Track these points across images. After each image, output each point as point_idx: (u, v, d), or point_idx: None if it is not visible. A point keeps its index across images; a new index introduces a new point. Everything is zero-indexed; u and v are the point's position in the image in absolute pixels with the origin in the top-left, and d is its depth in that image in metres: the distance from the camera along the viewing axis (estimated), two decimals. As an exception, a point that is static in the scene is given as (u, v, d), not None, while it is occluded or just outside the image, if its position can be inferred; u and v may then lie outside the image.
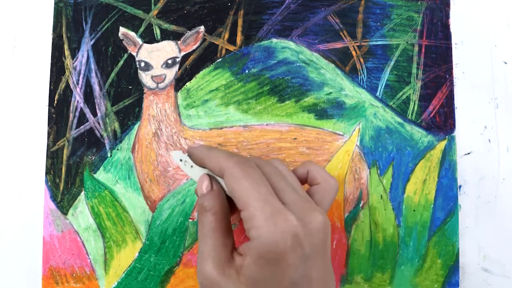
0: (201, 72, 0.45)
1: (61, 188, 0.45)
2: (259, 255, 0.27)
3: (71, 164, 0.45)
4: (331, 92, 0.44)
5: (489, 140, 0.43)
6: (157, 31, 0.45)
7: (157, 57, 0.45)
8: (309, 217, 0.28)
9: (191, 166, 0.35)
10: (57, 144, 0.45)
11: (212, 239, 0.30)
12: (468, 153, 0.43)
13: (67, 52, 0.46)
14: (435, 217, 0.42)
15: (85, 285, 0.43)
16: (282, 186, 0.30)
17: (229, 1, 0.45)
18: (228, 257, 0.29)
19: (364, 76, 0.44)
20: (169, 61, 0.45)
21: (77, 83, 0.46)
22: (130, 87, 0.45)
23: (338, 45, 0.44)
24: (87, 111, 0.45)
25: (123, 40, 0.46)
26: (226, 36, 0.45)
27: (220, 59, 0.45)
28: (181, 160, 0.36)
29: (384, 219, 0.42)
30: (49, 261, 0.44)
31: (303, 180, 0.35)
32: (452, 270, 0.41)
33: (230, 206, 0.33)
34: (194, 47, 0.45)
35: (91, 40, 0.46)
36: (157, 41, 0.45)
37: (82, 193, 0.44)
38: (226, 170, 0.30)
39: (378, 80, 0.43)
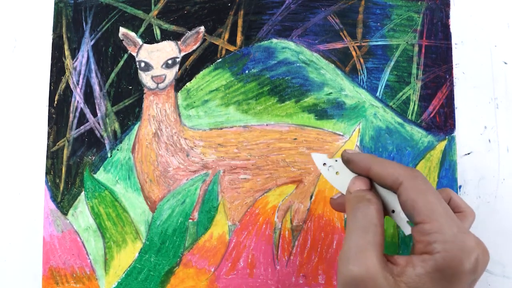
0: (201, 72, 0.45)
1: (61, 188, 0.45)
2: (437, 268, 0.27)
3: (71, 164, 0.45)
4: (331, 93, 0.44)
5: (489, 140, 0.43)
6: (157, 32, 0.45)
7: (157, 57, 0.45)
8: (482, 244, 0.29)
9: (337, 173, 0.34)
10: (57, 144, 0.45)
11: (374, 235, 0.29)
12: (468, 153, 0.43)
13: (67, 53, 0.46)
14: (435, 217, 0.42)
15: (85, 285, 0.43)
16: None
17: (229, 1, 0.45)
18: (383, 258, 0.29)
19: (364, 76, 0.44)
20: (169, 62, 0.45)
21: (77, 84, 0.46)
22: (130, 87, 0.45)
23: (338, 45, 0.44)
24: (87, 111, 0.45)
25: (123, 40, 0.46)
26: (226, 36, 0.45)
27: (220, 60, 0.45)
28: (324, 164, 0.35)
29: (384, 219, 0.42)
30: (49, 261, 0.44)
31: None
32: (452, 270, 0.41)
33: None
34: (194, 47, 0.45)
35: (91, 41, 0.46)
36: (157, 42, 0.45)
37: (82, 193, 0.44)
38: (406, 181, 0.30)
39: (378, 80, 0.43)
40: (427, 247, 0.28)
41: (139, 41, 0.45)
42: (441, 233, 0.28)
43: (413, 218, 0.29)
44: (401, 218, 0.32)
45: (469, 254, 0.27)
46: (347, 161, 0.34)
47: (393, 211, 0.32)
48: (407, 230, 0.32)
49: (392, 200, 0.32)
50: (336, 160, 0.35)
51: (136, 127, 0.45)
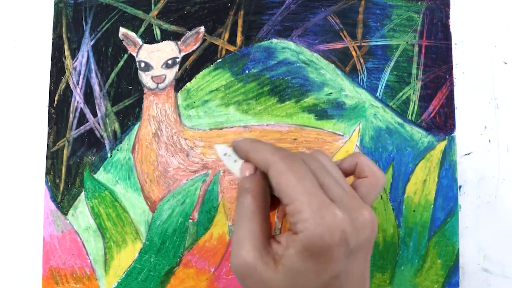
0: (201, 72, 0.45)
1: (61, 188, 0.45)
2: (304, 247, 0.27)
3: (71, 164, 0.45)
4: (331, 93, 0.44)
5: (489, 140, 0.43)
6: (157, 32, 0.45)
7: (157, 57, 0.45)
8: (356, 214, 0.28)
9: (235, 161, 0.34)
10: (57, 144, 0.45)
11: (250, 223, 0.29)
12: (468, 153, 0.43)
13: (67, 53, 0.46)
14: (435, 218, 0.42)
15: (85, 286, 0.43)
16: (328, 181, 0.30)
17: (229, 1, 0.45)
18: (266, 243, 0.29)
19: (364, 76, 0.44)
20: (169, 62, 0.45)
21: (77, 84, 0.46)
22: (130, 87, 0.45)
23: (338, 45, 0.44)
24: (87, 111, 0.45)
25: (123, 40, 0.46)
26: (226, 36, 0.45)
27: (220, 60, 0.45)
28: (225, 154, 0.35)
29: (384, 219, 0.42)
30: (49, 262, 0.44)
31: (350, 172, 0.34)
32: (452, 270, 0.41)
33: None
34: (194, 47, 0.45)
35: (91, 41, 0.46)
36: (157, 42, 0.45)
37: (82, 193, 0.44)
38: (272, 164, 0.30)
39: (378, 80, 0.43)
40: (293, 228, 0.28)
41: (139, 41, 0.45)
42: (301, 212, 0.27)
43: (282, 202, 0.29)
44: None
45: (332, 229, 0.27)
46: (234, 149, 0.34)
47: None
48: None
49: None
50: (232, 147, 0.35)
51: (136, 127, 0.45)
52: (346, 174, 0.34)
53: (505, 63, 0.44)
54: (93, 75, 0.46)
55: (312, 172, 0.30)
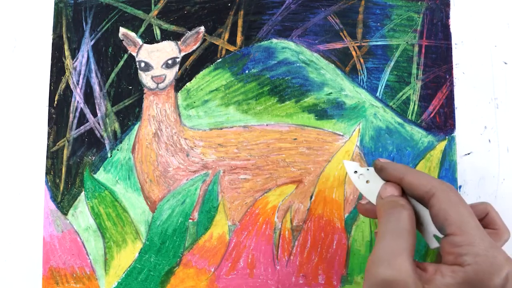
0: (201, 72, 0.45)
1: (61, 188, 0.45)
2: (467, 280, 0.28)
3: (71, 164, 0.45)
4: (331, 93, 0.44)
5: (489, 140, 0.43)
6: (157, 32, 0.45)
7: (157, 57, 0.45)
8: None
9: (367, 181, 0.35)
10: (57, 144, 0.45)
11: (406, 240, 0.30)
12: (468, 153, 0.43)
13: (67, 53, 0.46)
14: (435, 217, 0.42)
15: (85, 285, 0.43)
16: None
17: (229, 2, 0.45)
18: (414, 264, 0.29)
19: (364, 76, 0.44)
20: (169, 62, 0.45)
21: (77, 84, 0.46)
22: (130, 87, 0.45)
23: (338, 45, 0.44)
24: (87, 111, 0.45)
25: (123, 40, 0.46)
26: (226, 36, 0.45)
27: (220, 60, 0.45)
28: (355, 172, 0.35)
29: None
30: (49, 261, 0.44)
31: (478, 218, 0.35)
32: (452, 270, 0.41)
33: None
34: (194, 47, 0.45)
35: (91, 41, 0.46)
36: (157, 42, 0.45)
37: (82, 193, 0.44)
38: (440, 192, 0.30)
39: (378, 80, 0.43)
40: (457, 259, 0.28)
41: (139, 41, 0.45)
42: (472, 246, 0.28)
43: (445, 229, 0.30)
44: (429, 231, 0.32)
45: (500, 270, 0.28)
46: (380, 169, 0.35)
47: (421, 224, 0.33)
48: (433, 243, 0.32)
49: (421, 212, 0.33)
50: (368, 169, 0.36)
51: (136, 127, 0.45)
52: None
53: (505, 63, 0.44)
54: (93, 75, 0.46)
55: None
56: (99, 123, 0.45)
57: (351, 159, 0.43)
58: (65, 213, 0.44)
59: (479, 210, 0.35)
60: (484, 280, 0.27)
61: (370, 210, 0.36)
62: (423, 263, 0.30)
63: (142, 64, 0.45)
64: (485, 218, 0.35)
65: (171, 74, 0.45)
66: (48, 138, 0.45)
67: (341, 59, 0.44)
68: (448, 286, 0.28)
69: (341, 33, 0.44)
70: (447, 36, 0.44)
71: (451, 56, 0.44)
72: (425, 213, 0.32)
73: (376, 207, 0.34)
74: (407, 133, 0.43)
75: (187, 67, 0.45)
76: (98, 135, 0.45)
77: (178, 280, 0.43)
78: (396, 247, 0.29)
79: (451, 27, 0.44)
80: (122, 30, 0.46)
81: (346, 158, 0.43)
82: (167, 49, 0.45)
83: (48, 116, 0.46)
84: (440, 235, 0.31)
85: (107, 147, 0.45)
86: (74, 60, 0.46)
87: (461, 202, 0.30)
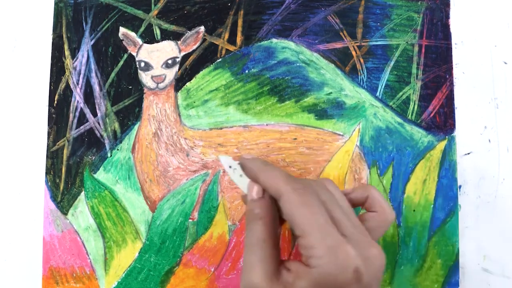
0: (201, 72, 0.45)
1: (61, 188, 0.45)
2: (316, 283, 0.28)
3: (71, 164, 0.45)
4: (331, 92, 0.44)
5: (489, 140, 0.43)
6: (157, 31, 0.45)
7: (157, 57, 0.45)
8: (367, 252, 0.28)
9: (240, 175, 0.34)
10: (57, 144, 0.45)
11: (262, 249, 0.30)
12: (468, 153, 0.43)
13: (67, 52, 0.46)
14: (435, 217, 0.42)
15: (85, 285, 0.43)
16: (339, 215, 0.30)
17: (229, 1, 0.45)
18: (276, 270, 0.30)
19: (364, 76, 0.44)
20: (169, 61, 0.45)
21: (77, 83, 0.46)
22: (130, 87, 0.45)
23: (338, 45, 0.44)
24: (87, 111, 0.45)
25: (123, 40, 0.46)
26: (226, 36, 0.45)
27: (220, 59, 0.45)
28: (230, 166, 0.35)
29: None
30: (49, 261, 0.44)
31: (359, 203, 0.35)
32: (452, 270, 0.41)
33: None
34: (194, 47, 0.45)
35: (91, 40, 0.46)
36: (157, 41, 0.45)
37: (82, 193, 0.44)
38: (284, 194, 0.30)
39: (378, 80, 0.43)
40: (307, 261, 0.28)
41: (139, 41, 0.45)
42: (315, 248, 0.28)
43: (294, 232, 0.29)
44: None
45: (345, 268, 0.27)
46: (242, 167, 0.34)
47: None
48: None
49: None
50: (239, 163, 0.35)
51: (136, 127, 0.45)
52: (355, 205, 0.34)
53: (505, 63, 0.44)
54: (93, 74, 0.46)
55: (323, 204, 0.30)
56: (99, 123, 0.45)
57: (351, 159, 0.43)
58: (65, 213, 0.44)
59: (358, 194, 0.34)
60: (330, 280, 0.27)
61: None
62: (290, 261, 0.30)
63: (142, 64, 0.45)
64: (366, 202, 0.34)
65: (171, 74, 0.45)
66: (48, 138, 0.45)
67: (341, 59, 0.44)
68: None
69: (341, 33, 0.44)
70: (447, 36, 0.44)
71: (451, 56, 0.44)
72: None
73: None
74: (407, 133, 0.43)
75: (187, 67, 0.45)
76: (98, 135, 0.45)
77: (178, 280, 0.43)
78: (251, 259, 0.30)
79: (451, 27, 0.44)
80: (122, 30, 0.46)
81: (346, 158, 0.43)
82: (167, 49, 0.45)
83: (48, 116, 0.46)
84: None
85: (107, 147, 0.45)
86: (74, 60, 0.46)
87: (306, 201, 0.29)
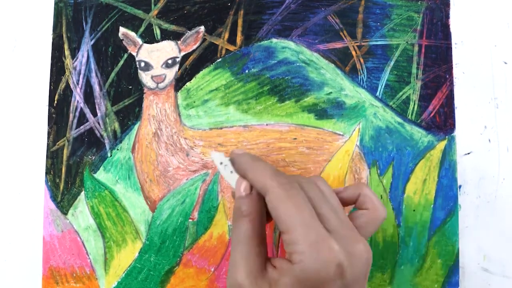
0: (201, 72, 0.45)
1: (61, 188, 0.45)
2: (299, 279, 0.27)
3: (71, 164, 0.45)
4: (331, 92, 0.44)
5: (489, 140, 0.43)
6: (157, 31, 0.45)
7: (157, 57, 0.45)
8: (352, 247, 0.28)
9: (231, 172, 0.34)
10: (57, 144, 0.45)
11: (247, 247, 0.30)
12: (468, 153, 0.43)
13: (67, 52, 0.46)
14: (435, 217, 0.42)
15: (85, 285, 0.43)
16: (326, 211, 0.30)
17: (229, 1, 0.45)
18: (261, 267, 0.29)
19: (364, 76, 0.44)
20: (169, 61, 0.45)
21: (77, 83, 0.46)
22: (130, 87, 0.45)
23: (338, 45, 0.44)
24: (87, 111, 0.45)
25: (123, 40, 0.46)
26: (226, 36, 0.45)
27: (220, 59, 0.45)
28: (221, 163, 0.34)
29: None
30: (49, 261, 0.44)
31: (351, 202, 0.34)
32: (452, 270, 0.41)
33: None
34: (194, 47, 0.45)
35: (91, 40, 0.46)
36: (157, 41, 0.45)
37: (82, 193, 0.44)
38: (270, 189, 0.30)
39: (378, 80, 0.43)
40: (290, 257, 0.28)
41: (139, 40, 0.45)
42: (298, 243, 0.27)
43: (278, 228, 0.29)
44: None
45: (327, 263, 0.27)
46: (232, 162, 0.34)
47: None
48: None
49: None
50: (230, 159, 0.35)
51: (136, 126, 0.45)
52: (347, 203, 0.34)
53: (505, 63, 0.44)
54: (93, 74, 0.46)
55: (310, 199, 0.30)
56: (99, 123, 0.45)
57: (351, 159, 0.43)
58: (65, 212, 0.44)
59: (350, 192, 0.34)
60: (312, 276, 0.27)
61: None
62: (276, 259, 0.30)
63: (142, 64, 0.45)
64: (357, 200, 0.34)
65: (171, 73, 0.45)
66: (48, 137, 0.45)
67: (341, 59, 0.44)
68: (286, 285, 0.28)
69: (341, 33, 0.44)
70: (447, 35, 0.44)
71: (451, 56, 0.44)
72: None
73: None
74: (407, 133, 0.43)
75: (187, 66, 0.45)
76: (98, 134, 0.45)
77: (178, 280, 0.43)
78: (236, 257, 0.30)
79: (451, 26, 0.44)
80: (122, 29, 0.46)
81: (346, 158, 0.43)
82: (167, 49, 0.45)
83: (48, 115, 0.46)
84: None
85: (107, 146, 0.45)
86: (74, 59, 0.46)
87: (288, 197, 0.29)
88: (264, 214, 0.32)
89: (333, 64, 0.44)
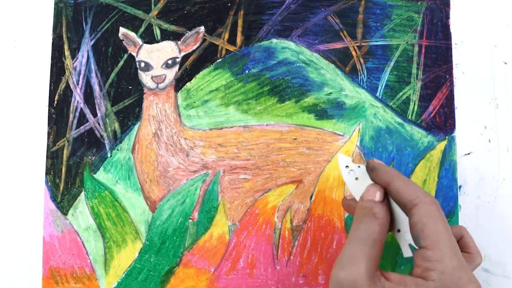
0: (201, 72, 0.45)
1: (61, 188, 0.45)
2: None
3: (71, 164, 0.45)
4: (331, 93, 0.44)
5: (489, 140, 0.43)
6: (157, 32, 0.45)
7: (157, 57, 0.45)
8: (478, 286, 0.29)
9: (356, 178, 0.34)
10: (57, 144, 0.45)
11: (371, 248, 0.30)
12: (468, 153, 0.43)
13: (67, 53, 0.46)
14: (435, 217, 0.42)
15: (85, 285, 0.43)
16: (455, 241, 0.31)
17: (229, 1, 0.45)
18: (375, 272, 0.30)
19: (364, 76, 0.44)
20: (169, 62, 0.45)
21: (77, 84, 0.46)
22: (130, 87, 0.45)
23: (338, 45, 0.44)
24: (87, 111, 0.45)
25: (123, 40, 0.46)
26: (226, 36, 0.45)
27: (220, 60, 0.45)
28: (346, 166, 0.35)
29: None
30: (49, 261, 0.44)
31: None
32: (452, 270, 0.41)
33: None
34: (194, 47, 0.45)
35: (91, 41, 0.46)
36: (157, 42, 0.45)
37: (82, 193, 0.44)
38: (423, 204, 0.30)
39: (378, 80, 0.43)
40: (424, 273, 0.29)
41: (139, 41, 0.45)
42: (441, 263, 0.28)
43: (419, 241, 0.30)
44: (405, 240, 0.32)
45: None
46: (372, 170, 0.34)
47: (399, 231, 0.33)
48: (407, 252, 0.32)
49: (401, 219, 0.33)
50: (359, 166, 0.35)
51: (136, 127, 0.45)
52: None
53: (505, 63, 0.44)
54: (93, 75, 0.46)
55: None
56: (99, 123, 0.45)
57: (351, 159, 0.43)
58: (65, 213, 0.44)
59: (454, 233, 0.35)
60: None
61: (352, 207, 0.36)
62: (389, 272, 0.30)
63: (142, 64, 0.45)
64: (459, 241, 0.36)
65: (171, 74, 0.45)
66: (48, 138, 0.45)
67: (341, 59, 0.44)
68: None
69: (341, 33, 0.44)
70: (447, 36, 0.44)
71: (451, 56, 0.44)
72: (405, 220, 0.32)
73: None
74: (407, 133, 0.43)
75: (187, 67, 0.45)
76: (98, 135, 0.45)
77: (178, 280, 0.43)
78: (357, 253, 0.30)
79: (451, 27, 0.44)
80: (122, 30, 0.46)
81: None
82: (167, 49, 0.45)
83: (48, 116, 0.46)
84: (415, 246, 0.31)
85: (107, 147, 0.45)
86: (74, 60, 0.46)
87: (441, 218, 0.30)
88: (388, 224, 0.33)
89: (333, 65, 0.44)
